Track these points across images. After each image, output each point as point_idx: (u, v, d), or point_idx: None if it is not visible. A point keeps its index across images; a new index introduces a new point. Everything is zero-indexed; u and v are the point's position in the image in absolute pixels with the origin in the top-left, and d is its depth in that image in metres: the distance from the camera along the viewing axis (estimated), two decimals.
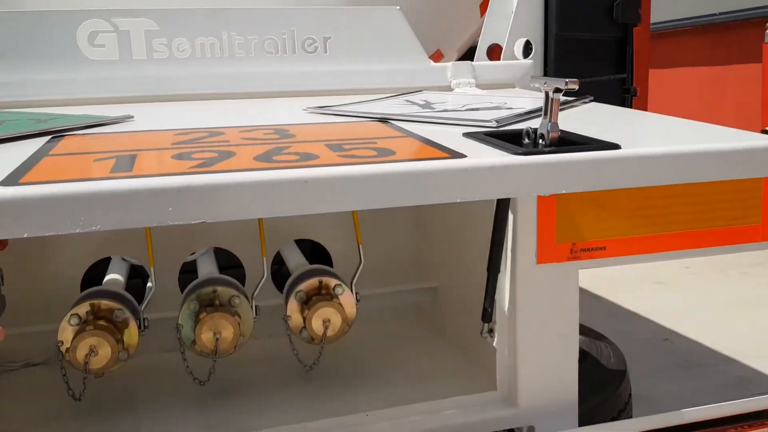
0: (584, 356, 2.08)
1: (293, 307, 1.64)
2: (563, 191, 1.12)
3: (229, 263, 1.95)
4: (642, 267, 6.29)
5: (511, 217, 1.41)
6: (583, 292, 5.28)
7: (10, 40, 1.17)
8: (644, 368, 4.10)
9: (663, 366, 4.25)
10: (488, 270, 1.45)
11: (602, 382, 1.89)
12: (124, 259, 1.96)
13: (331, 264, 2.02)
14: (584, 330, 2.25)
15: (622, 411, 1.92)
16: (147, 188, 0.88)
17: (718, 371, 4.18)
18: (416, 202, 1.01)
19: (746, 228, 1.55)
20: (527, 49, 1.56)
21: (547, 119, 1.14)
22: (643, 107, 1.60)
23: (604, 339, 2.27)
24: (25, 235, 0.84)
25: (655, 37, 6.45)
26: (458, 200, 1.02)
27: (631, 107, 1.57)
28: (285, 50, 1.29)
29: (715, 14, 6.69)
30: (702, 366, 4.25)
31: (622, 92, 1.59)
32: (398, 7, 1.38)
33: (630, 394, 2.02)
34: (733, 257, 6.77)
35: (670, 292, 5.72)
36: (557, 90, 1.14)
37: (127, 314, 1.53)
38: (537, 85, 1.20)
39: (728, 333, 4.70)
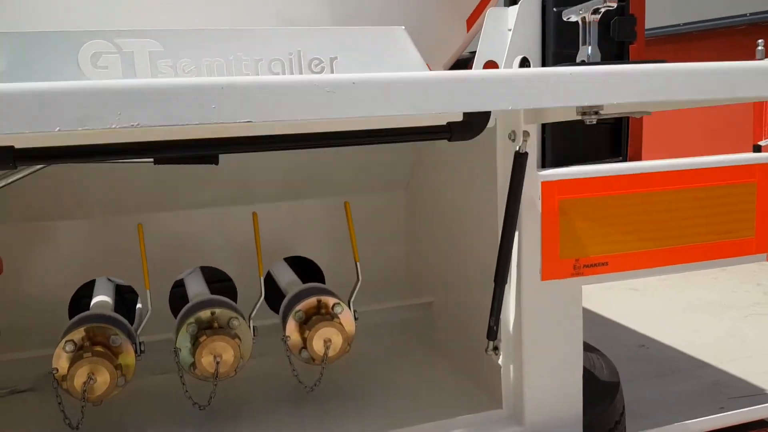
0: None
1: (292, 327, 1.62)
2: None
3: (217, 278, 1.92)
4: None
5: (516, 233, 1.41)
6: None
7: (13, 59, 1.13)
8: (624, 376, 4.14)
9: (641, 373, 4.30)
10: (495, 281, 1.43)
11: (598, 395, 1.90)
12: (109, 279, 1.91)
13: (323, 281, 2.00)
14: None
15: (617, 423, 1.93)
16: (191, 84, 0.84)
17: (694, 376, 4.25)
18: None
19: (741, 241, 1.58)
20: (524, 66, 1.57)
21: (587, 45, 1.16)
22: (639, 125, 1.62)
23: (595, 350, 2.28)
24: (57, 129, 0.77)
25: (651, 43, 6.82)
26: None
27: (627, 127, 1.58)
28: (292, 70, 1.27)
29: (708, 20, 6.91)
30: (678, 372, 4.31)
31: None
32: (403, 27, 1.38)
33: (624, 406, 2.04)
34: None
35: (644, 298, 5.81)
36: (595, 11, 1.14)
37: (124, 339, 1.49)
38: (571, 16, 1.20)
39: (700, 338, 4.78)
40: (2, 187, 1.37)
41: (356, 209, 1.74)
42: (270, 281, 1.90)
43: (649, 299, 5.93)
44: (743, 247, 1.58)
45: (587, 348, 2.25)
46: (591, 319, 5.41)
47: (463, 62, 2.13)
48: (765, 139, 1.64)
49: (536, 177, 1.38)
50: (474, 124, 1.22)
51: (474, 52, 1.62)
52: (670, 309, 5.69)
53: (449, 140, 1.23)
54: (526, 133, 1.34)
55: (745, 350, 4.82)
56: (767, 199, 1.58)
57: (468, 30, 2.24)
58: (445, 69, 2.24)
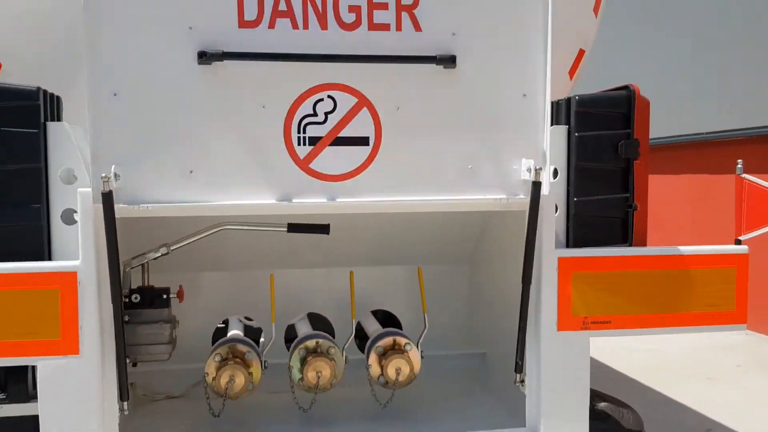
0: (607, 417, 2.54)
1: (373, 358, 2.17)
2: None
3: (320, 321, 2.50)
4: (694, 363, 6.54)
5: (536, 294, 1.92)
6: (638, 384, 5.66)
7: None
8: None
9: None
10: (519, 327, 1.93)
11: None
12: (239, 320, 2.54)
13: (400, 328, 2.55)
14: (610, 398, 2.72)
15: None
16: None
17: None
18: None
19: (724, 313, 2.03)
20: (555, 173, 2.09)
21: None
22: (644, 218, 2.10)
23: (627, 407, 2.70)
24: None
25: (656, 150, 7.96)
26: None
27: (633, 219, 2.07)
28: None
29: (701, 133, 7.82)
30: None
31: (626, 207, 2.11)
32: None
33: None
34: None
35: (719, 387, 5.95)
36: None
37: (254, 356, 2.09)
38: None
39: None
40: (183, 246, 2.04)
41: (427, 275, 2.32)
42: (359, 328, 2.47)
43: (724, 387, 6.06)
44: (725, 317, 2.02)
45: (620, 404, 2.68)
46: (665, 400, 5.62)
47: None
48: (744, 234, 2.05)
49: (554, 253, 1.91)
50: None
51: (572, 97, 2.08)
52: (742, 398, 5.80)
53: None
54: None
55: None
56: (745, 281, 2.02)
57: (570, 78, 2.78)
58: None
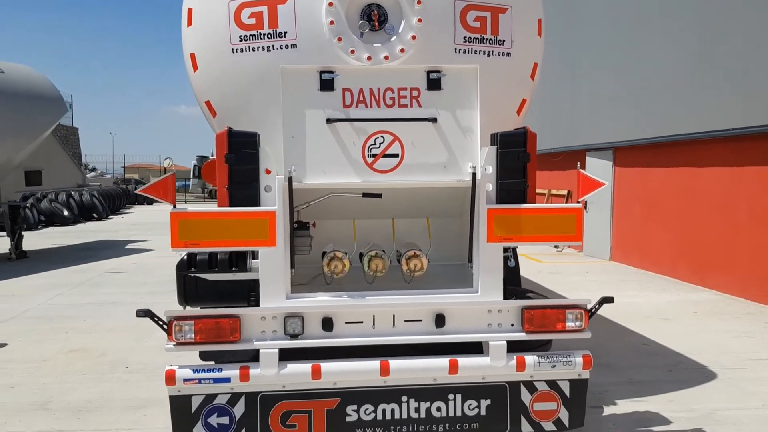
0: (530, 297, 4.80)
1: (404, 261, 4.44)
2: None
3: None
4: (660, 312, 8.62)
5: (476, 226, 4.15)
6: (611, 322, 7.91)
7: None
8: (621, 355, 6.54)
9: (633, 354, 6.64)
10: (469, 240, 4.17)
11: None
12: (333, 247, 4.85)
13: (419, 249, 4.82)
14: (537, 293, 4.98)
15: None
16: None
17: (667, 357, 6.52)
18: None
19: (570, 235, 4.23)
20: (488, 169, 4.31)
21: None
22: (533, 191, 4.34)
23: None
24: None
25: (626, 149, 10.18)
26: None
27: (527, 191, 4.28)
28: None
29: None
30: (658, 355, 6.61)
31: (524, 186, 4.28)
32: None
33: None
34: (735, 309, 8.91)
35: (670, 324, 8.03)
36: None
37: (346, 256, 4.40)
38: None
39: (690, 344, 6.99)
40: (315, 202, 4.36)
41: (435, 224, 4.59)
42: (397, 251, 4.75)
43: (676, 325, 8.19)
44: (570, 237, 4.21)
45: (541, 295, 4.92)
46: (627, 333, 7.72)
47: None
48: (579, 198, 4.24)
49: (485, 206, 4.14)
50: None
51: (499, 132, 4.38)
52: (685, 332, 7.89)
53: None
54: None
55: None
56: (581, 221, 4.20)
57: (518, 115, 5.02)
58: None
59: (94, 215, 24.80)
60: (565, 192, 16.35)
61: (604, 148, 13.91)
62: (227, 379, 3.93)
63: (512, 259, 5.54)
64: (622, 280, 11.20)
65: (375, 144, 4.11)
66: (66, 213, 22.69)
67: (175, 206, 3.91)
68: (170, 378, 3.90)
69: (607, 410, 5.03)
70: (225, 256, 4.39)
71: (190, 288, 4.48)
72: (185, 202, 36.89)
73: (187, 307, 4.58)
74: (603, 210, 13.85)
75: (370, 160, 4.11)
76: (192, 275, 4.40)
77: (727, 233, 10.08)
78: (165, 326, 3.89)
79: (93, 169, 43.92)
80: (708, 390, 5.53)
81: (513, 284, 5.20)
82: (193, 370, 3.92)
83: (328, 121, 4.05)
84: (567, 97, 15.86)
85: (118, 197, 29.55)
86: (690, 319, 8.32)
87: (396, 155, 4.12)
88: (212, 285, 4.43)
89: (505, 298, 4.20)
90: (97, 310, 8.78)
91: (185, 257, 4.45)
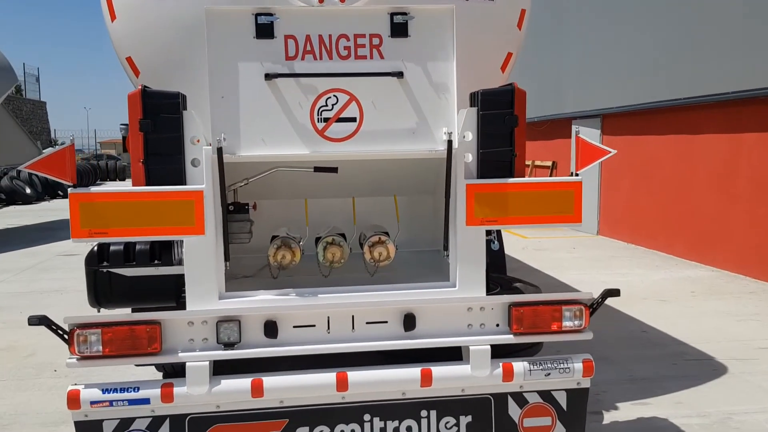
0: (516, 287, 4.05)
1: (366, 248, 3.67)
2: None
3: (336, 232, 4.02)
4: (655, 293, 7.96)
5: (453, 205, 3.38)
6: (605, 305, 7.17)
7: None
8: (619, 345, 5.86)
9: (633, 344, 5.96)
10: (444, 223, 3.42)
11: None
12: (286, 230, 4.06)
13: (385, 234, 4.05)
14: (524, 282, 4.23)
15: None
16: None
17: (669, 347, 5.85)
18: None
19: (567, 215, 3.47)
20: (467, 136, 3.53)
21: None
22: (522, 161, 3.56)
23: (534, 285, 4.18)
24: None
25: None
26: None
27: (514, 162, 3.51)
28: None
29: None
30: (660, 345, 5.93)
31: (511, 155, 3.53)
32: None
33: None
34: (735, 287, 8.27)
35: (668, 306, 7.37)
36: None
37: (297, 245, 3.61)
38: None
39: (693, 331, 6.33)
40: (255, 179, 3.56)
41: (403, 203, 3.81)
42: (359, 236, 3.98)
43: (673, 307, 7.50)
44: (568, 218, 3.46)
45: (528, 284, 4.17)
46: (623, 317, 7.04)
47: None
48: (578, 170, 3.44)
49: (463, 182, 3.37)
50: None
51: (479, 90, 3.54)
52: (682, 314, 7.22)
53: None
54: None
55: None
56: (579, 198, 3.45)
57: (503, 72, 4.21)
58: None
59: (59, 193, 23.72)
60: (549, 163, 15.62)
61: (591, 116, 13.14)
62: (146, 400, 3.16)
63: (495, 242, 4.79)
64: (612, 257, 10.54)
65: (327, 105, 3.31)
66: (28, 191, 21.62)
67: (75, 185, 3.09)
68: (73, 400, 3.12)
69: (608, 417, 4.33)
70: (145, 246, 3.59)
71: (102, 286, 3.66)
72: None
73: (102, 310, 3.78)
74: (590, 182, 13.13)
75: (320, 125, 3.31)
76: (105, 270, 3.59)
77: (725, 204, 9.40)
78: (66, 336, 3.10)
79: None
80: (719, 388, 4.85)
81: (497, 271, 4.45)
82: (102, 390, 3.14)
83: (267, 76, 3.24)
84: (552, 60, 15.03)
85: (86, 174, 28.40)
86: (689, 300, 7.66)
87: (353, 119, 3.33)
88: (131, 282, 3.63)
89: (488, 291, 3.45)
90: (38, 299, 7.95)
91: (95, 249, 3.64)
